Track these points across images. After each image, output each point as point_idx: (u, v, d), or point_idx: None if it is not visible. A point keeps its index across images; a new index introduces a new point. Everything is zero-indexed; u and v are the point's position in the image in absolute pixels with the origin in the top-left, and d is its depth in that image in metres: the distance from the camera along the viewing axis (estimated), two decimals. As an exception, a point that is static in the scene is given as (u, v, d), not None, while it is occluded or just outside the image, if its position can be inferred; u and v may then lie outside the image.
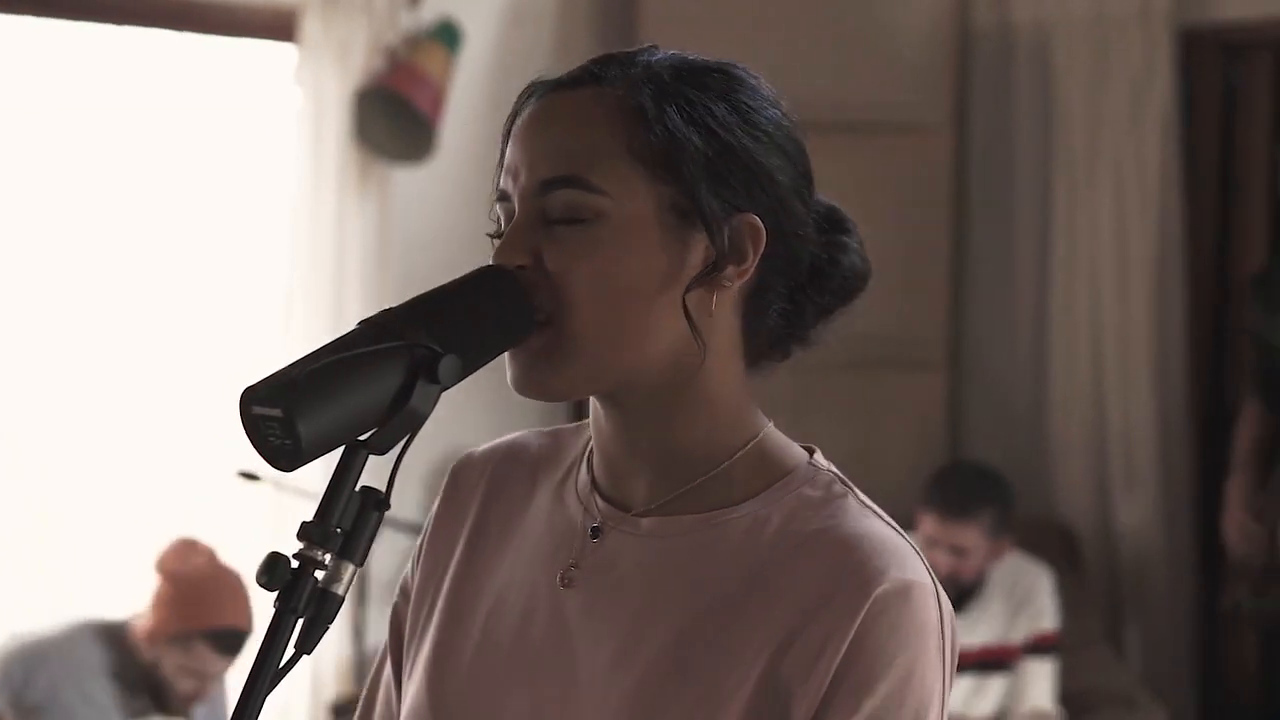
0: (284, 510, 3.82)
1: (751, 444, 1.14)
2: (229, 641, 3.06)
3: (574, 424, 1.24)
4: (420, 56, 3.83)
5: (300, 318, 3.84)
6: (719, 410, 1.13)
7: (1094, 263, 4.19)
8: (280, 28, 3.83)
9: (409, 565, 1.26)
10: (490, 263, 1.11)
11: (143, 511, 3.89)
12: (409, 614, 1.24)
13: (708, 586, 1.10)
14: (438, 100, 3.83)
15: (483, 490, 1.24)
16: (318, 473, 3.84)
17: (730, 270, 1.10)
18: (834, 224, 1.18)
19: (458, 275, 4.24)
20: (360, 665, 3.67)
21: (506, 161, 1.14)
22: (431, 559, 1.24)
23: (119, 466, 3.95)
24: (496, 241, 1.13)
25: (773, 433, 1.16)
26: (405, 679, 1.22)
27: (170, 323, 3.98)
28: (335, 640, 3.86)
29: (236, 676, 3.25)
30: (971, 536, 3.40)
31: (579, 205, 1.09)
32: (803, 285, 1.15)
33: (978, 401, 4.38)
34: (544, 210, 1.10)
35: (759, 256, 1.10)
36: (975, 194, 4.37)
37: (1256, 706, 4.19)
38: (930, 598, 1.07)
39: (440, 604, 1.21)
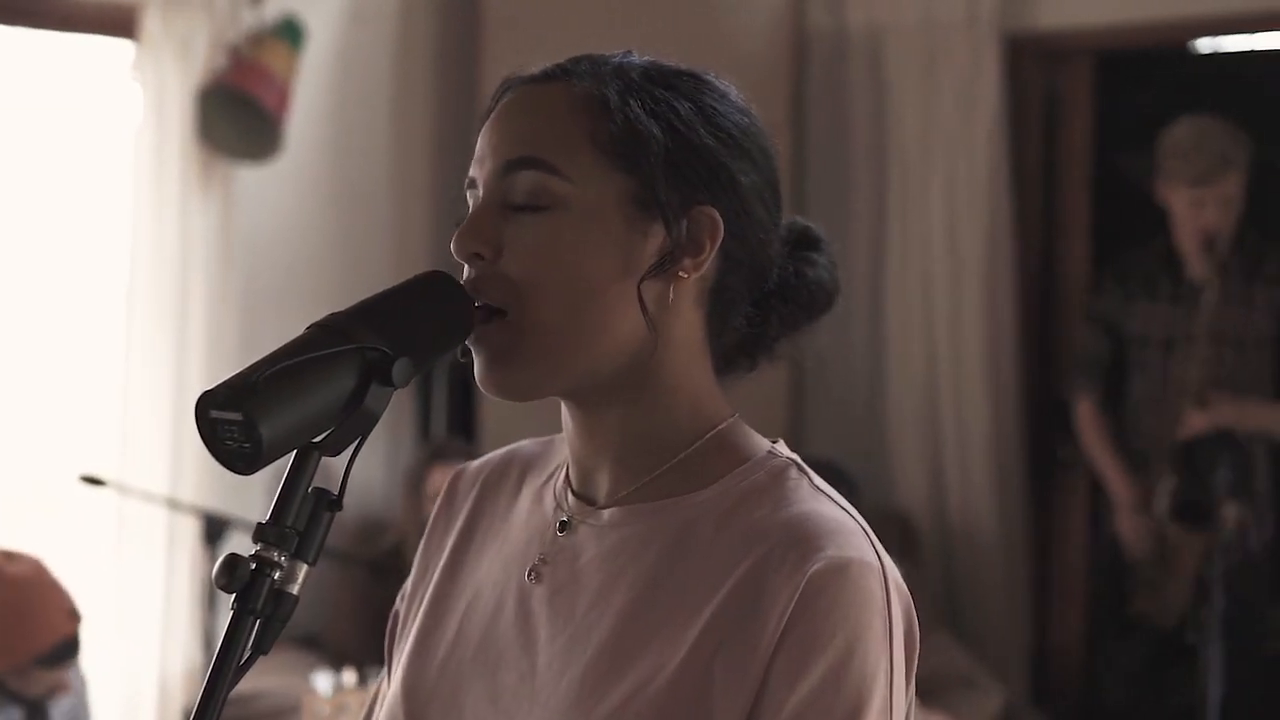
0: (127, 515, 3.75)
1: (711, 434, 1.15)
2: (62, 654, 2.93)
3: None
4: (264, 54, 3.79)
5: (142, 317, 3.78)
6: (678, 401, 1.15)
7: (926, 259, 4.32)
8: (119, 24, 3.76)
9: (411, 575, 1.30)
10: (451, 248, 1.13)
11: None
12: (401, 619, 1.27)
13: (658, 570, 1.12)
14: (282, 98, 3.80)
15: (473, 498, 1.26)
16: (162, 477, 3.77)
17: (687, 262, 1.12)
18: (807, 241, 1.22)
19: (302, 273, 4.19)
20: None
21: (476, 151, 1.16)
22: (423, 565, 1.27)
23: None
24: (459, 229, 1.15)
25: (736, 424, 1.17)
26: (392, 680, 1.25)
27: (8, 322, 3.87)
28: (183, 647, 3.81)
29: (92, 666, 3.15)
30: None
31: (541, 189, 1.11)
32: (769, 295, 1.18)
33: (817, 396, 4.49)
34: (506, 195, 1.12)
35: (715, 249, 1.13)
36: (812, 193, 4.47)
37: (1081, 685, 4.37)
38: (874, 575, 1.06)
39: (424, 605, 1.23)
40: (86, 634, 3.28)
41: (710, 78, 1.17)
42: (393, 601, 1.30)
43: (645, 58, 1.17)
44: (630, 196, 1.11)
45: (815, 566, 1.05)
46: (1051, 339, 4.40)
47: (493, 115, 1.16)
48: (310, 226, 4.18)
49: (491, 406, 4.13)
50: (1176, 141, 3.78)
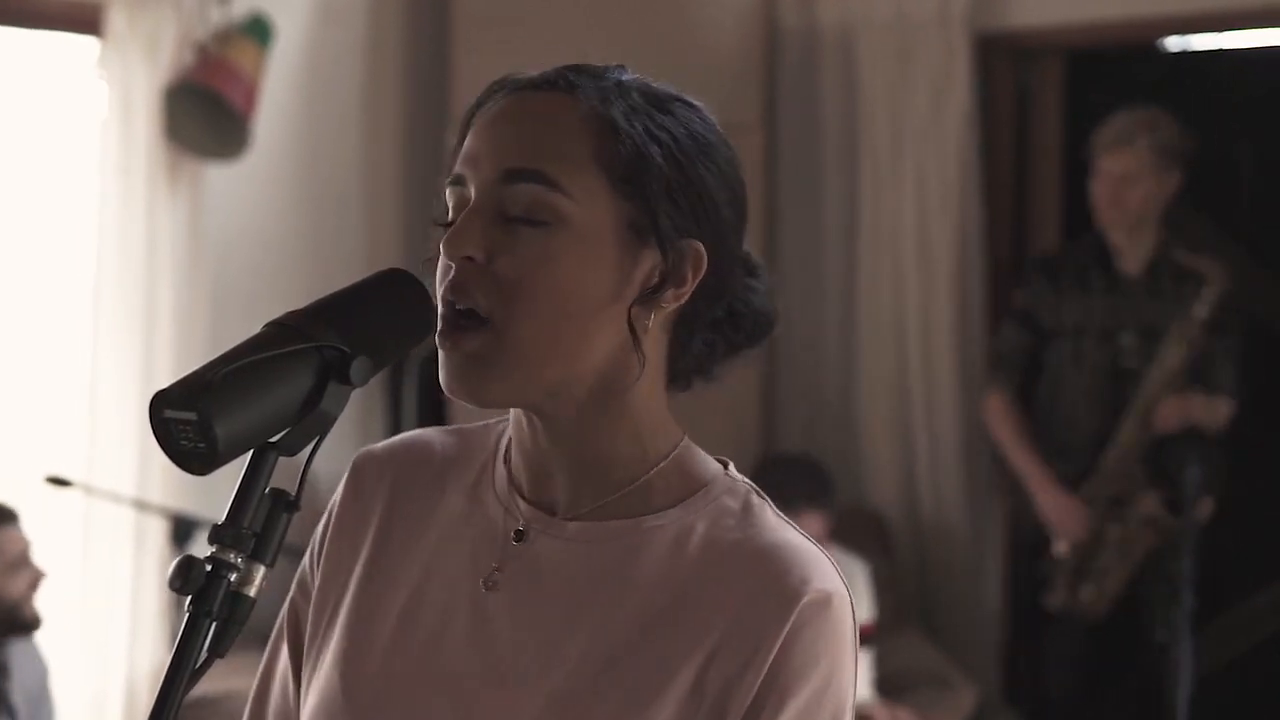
0: (94, 516, 3.72)
1: (672, 455, 1.17)
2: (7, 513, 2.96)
3: (481, 424, 1.25)
4: (231, 51, 3.76)
5: (109, 317, 3.75)
6: (642, 425, 1.16)
7: (898, 258, 4.33)
8: (84, 21, 3.73)
9: (306, 560, 1.25)
10: (441, 248, 1.11)
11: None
12: (310, 612, 1.23)
13: (636, 591, 1.13)
14: (250, 96, 3.77)
15: (387, 488, 1.23)
16: (129, 478, 3.74)
17: (670, 293, 1.13)
18: (747, 269, 1.21)
19: (271, 272, 4.16)
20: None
21: (466, 148, 1.14)
22: (335, 557, 1.23)
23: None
24: (441, 230, 1.13)
25: (690, 445, 1.19)
26: (307, 677, 1.21)
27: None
28: (150, 648, 3.78)
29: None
30: (816, 526, 3.44)
31: (541, 203, 1.10)
32: (720, 322, 1.19)
33: (790, 393, 4.49)
34: (503, 203, 1.11)
35: (696, 281, 1.14)
36: (784, 191, 4.47)
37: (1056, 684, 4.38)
38: (846, 605, 1.13)
39: (347, 603, 1.20)
40: (54, 635, 3.26)
41: (700, 105, 1.17)
42: None
43: (636, 75, 1.17)
44: (628, 221, 1.11)
45: (805, 599, 1.10)
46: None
47: (490, 116, 1.13)
48: (279, 225, 4.16)
49: (462, 405, 4.11)
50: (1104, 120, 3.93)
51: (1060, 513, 3.83)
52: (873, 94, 4.33)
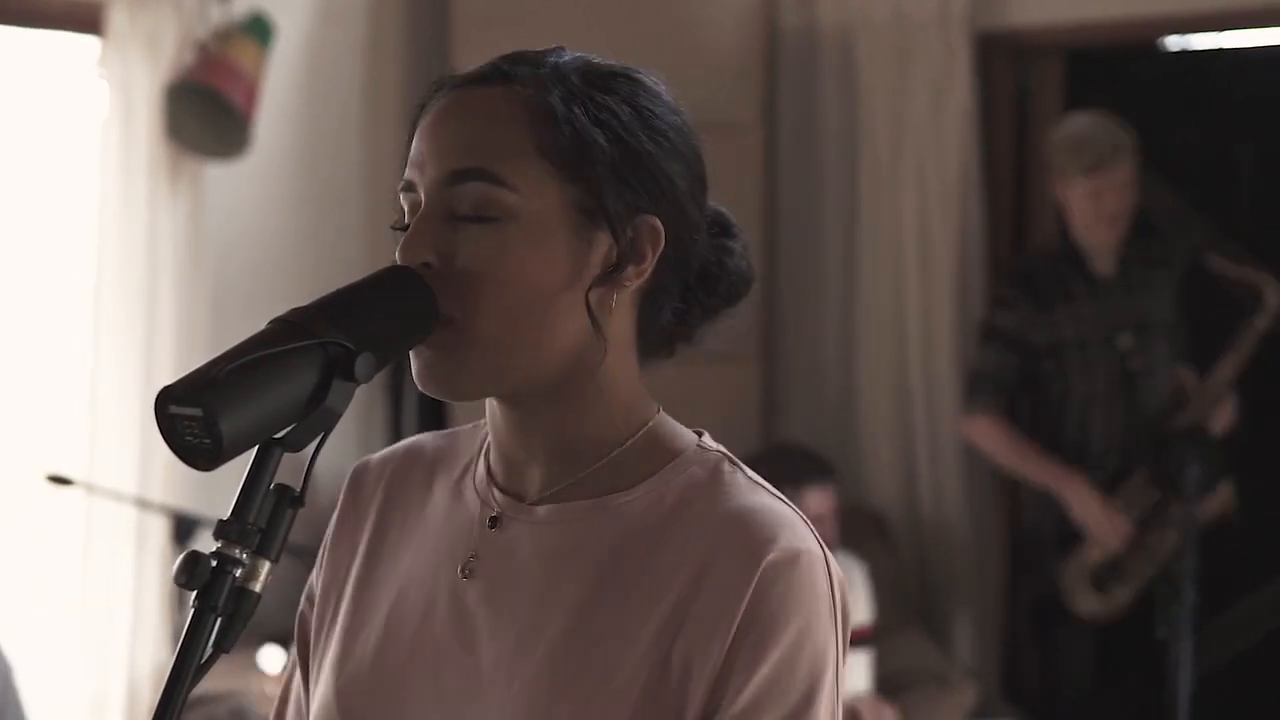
0: (95, 514, 3.73)
1: (642, 431, 1.17)
2: None
3: (470, 425, 1.26)
4: (232, 50, 3.76)
5: (109, 315, 3.75)
6: (613, 402, 1.16)
7: (898, 258, 4.33)
8: (85, 20, 3.73)
9: (314, 571, 1.27)
10: (396, 255, 1.13)
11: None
12: (314, 619, 1.25)
13: (604, 568, 1.13)
14: (251, 95, 3.77)
15: (381, 493, 1.25)
16: (130, 476, 3.74)
17: (630, 270, 1.13)
18: (721, 228, 1.22)
19: (272, 272, 4.16)
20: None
21: (413, 154, 1.15)
22: (334, 564, 1.25)
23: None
24: (400, 234, 1.15)
25: (663, 419, 1.19)
26: (312, 683, 1.23)
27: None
28: (152, 647, 3.78)
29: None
30: (826, 502, 3.43)
31: (488, 201, 1.11)
32: (692, 286, 1.19)
33: (789, 392, 4.49)
34: (451, 204, 1.12)
35: (657, 257, 1.14)
36: (784, 191, 4.47)
37: (1058, 685, 4.38)
38: (819, 564, 1.11)
39: (344, 606, 1.22)
40: (54, 635, 3.25)
41: (643, 77, 1.17)
42: None
43: (578, 55, 1.17)
44: (576, 205, 1.12)
45: (769, 557, 1.09)
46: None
47: (431, 118, 1.15)
48: (280, 225, 4.16)
49: (462, 404, 4.12)
50: (1066, 136, 3.88)
51: (1104, 522, 3.79)
52: (873, 94, 4.33)
